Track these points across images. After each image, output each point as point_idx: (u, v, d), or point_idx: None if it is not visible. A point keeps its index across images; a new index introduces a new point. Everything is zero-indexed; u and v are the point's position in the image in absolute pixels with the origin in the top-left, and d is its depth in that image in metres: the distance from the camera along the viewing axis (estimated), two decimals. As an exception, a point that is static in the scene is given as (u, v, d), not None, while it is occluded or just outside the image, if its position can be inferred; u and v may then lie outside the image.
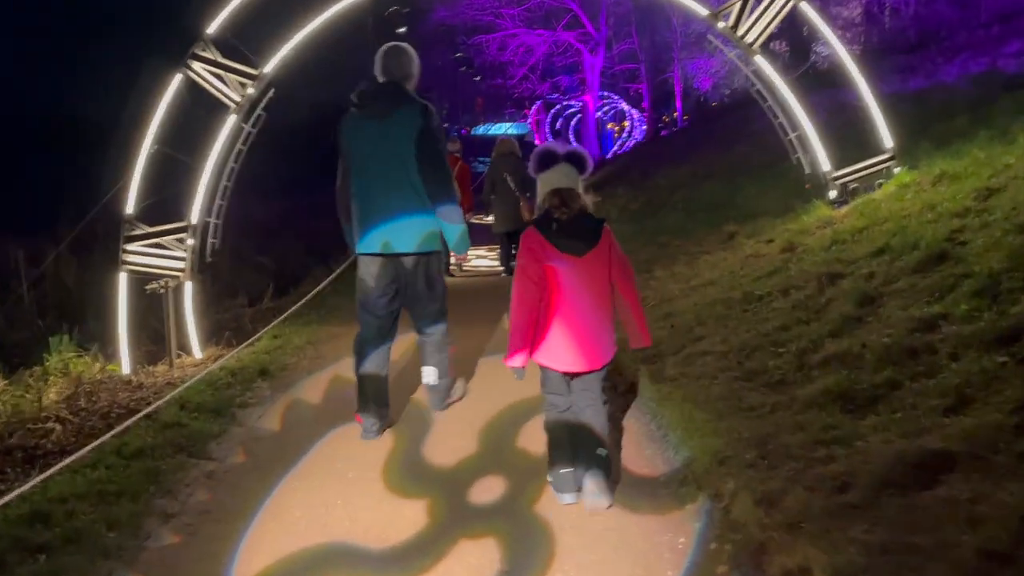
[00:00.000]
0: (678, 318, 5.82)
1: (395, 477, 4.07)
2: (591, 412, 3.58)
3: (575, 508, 3.56)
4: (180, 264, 7.32)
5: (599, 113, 36.54)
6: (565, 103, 38.10)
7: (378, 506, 3.72)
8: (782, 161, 10.24)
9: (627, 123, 40.89)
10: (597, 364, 3.56)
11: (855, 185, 7.29)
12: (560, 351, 3.49)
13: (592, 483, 3.48)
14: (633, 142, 38.04)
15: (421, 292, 4.55)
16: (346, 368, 6.16)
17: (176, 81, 7.14)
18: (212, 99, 7.33)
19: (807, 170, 7.57)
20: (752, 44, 7.04)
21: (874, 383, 3.66)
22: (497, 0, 29.02)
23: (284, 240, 16.13)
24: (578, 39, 31.18)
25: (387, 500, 3.79)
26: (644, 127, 37.03)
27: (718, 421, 3.87)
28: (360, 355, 4.60)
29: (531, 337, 3.49)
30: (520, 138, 28.76)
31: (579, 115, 37.14)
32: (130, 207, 7.25)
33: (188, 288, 7.34)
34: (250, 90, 7.23)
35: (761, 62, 7.13)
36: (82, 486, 3.82)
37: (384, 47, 4.46)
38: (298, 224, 18.44)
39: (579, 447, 3.57)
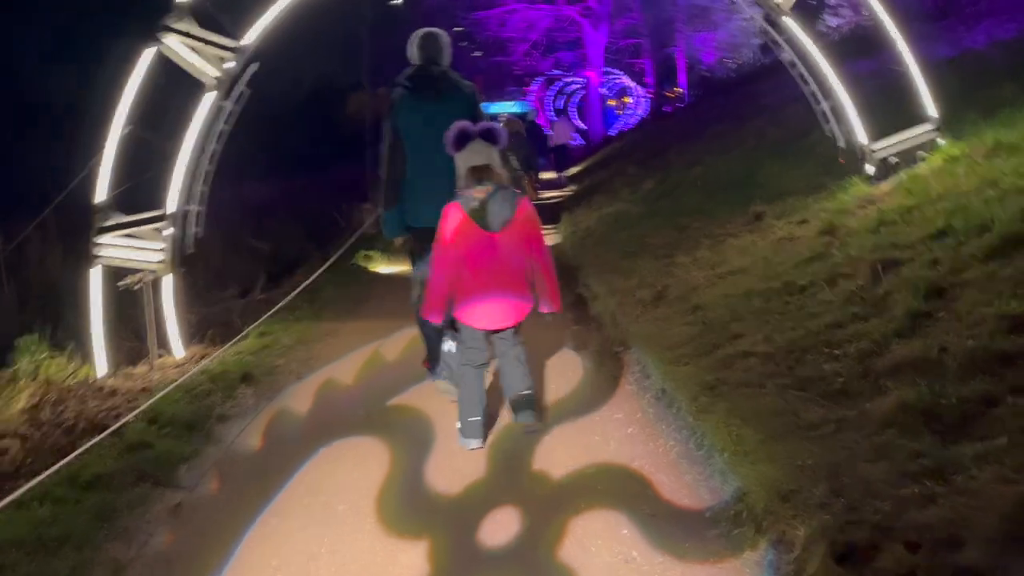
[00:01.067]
0: (708, 312, 5.20)
1: (391, 511, 3.47)
2: (513, 353, 4.07)
3: (608, 556, 2.96)
4: (158, 256, 6.70)
5: (602, 89, 35.71)
6: (567, 80, 37.26)
7: (371, 551, 3.13)
8: (804, 135, 9.55)
9: (629, 99, 40.13)
10: (511, 322, 3.99)
11: (895, 159, 6.63)
12: (479, 313, 3.92)
13: (523, 416, 4.11)
14: (637, 118, 37.28)
15: None
16: (339, 371, 5.58)
17: (147, 55, 6.49)
18: (189, 75, 6.69)
19: (841, 143, 6.90)
20: (781, 3, 6.37)
21: (963, 397, 3.04)
22: (497, -26, 28.28)
23: (281, 222, 15.52)
24: (580, 13, 30.40)
25: (381, 543, 3.20)
26: (648, 103, 36.25)
27: (773, 442, 3.26)
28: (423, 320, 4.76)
29: (447, 298, 3.93)
30: (523, 116, 28.01)
31: (582, 91, 36.32)
32: (101, 194, 6.63)
33: (168, 282, 6.74)
34: (230, 64, 6.56)
35: (791, 23, 6.45)
36: (22, 528, 3.24)
37: (421, 33, 4.66)
38: (296, 204, 17.81)
39: (507, 390, 4.14)
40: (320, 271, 6.95)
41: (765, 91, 17.87)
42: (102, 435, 4.19)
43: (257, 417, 4.73)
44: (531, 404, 4.13)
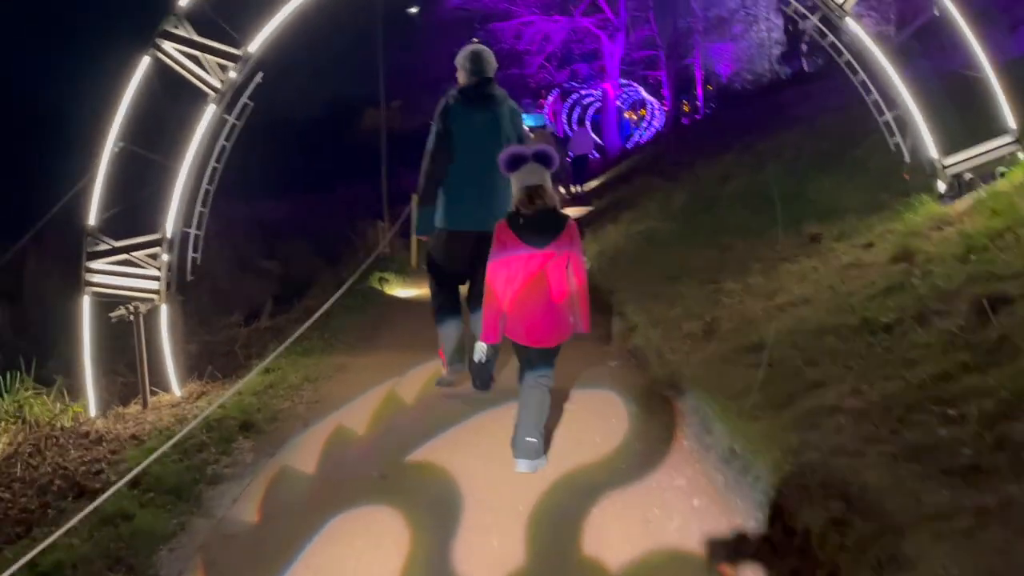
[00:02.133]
0: (774, 351, 4.52)
1: (414, 612, 2.82)
2: (536, 395, 4.03)
3: None
4: (154, 285, 6.12)
5: (617, 102, 35.15)
6: (583, 92, 36.75)
7: None
8: (852, 147, 8.90)
9: (645, 111, 39.64)
10: (550, 343, 4.03)
11: (970, 175, 5.95)
12: (518, 327, 4.01)
13: (522, 464, 3.96)
14: (653, 131, 36.72)
15: None
16: (350, 417, 4.94)
17: (143, 65, 5.93)
18: (188, 86, 6.12)
19: (907, 157, 6.24)
20: (842, 4, 5.73)
21: None
22: (512, -14, 27.83)
23: (292, 241, 15.02)
24: (596, 25, 29.89)
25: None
26: (663, 115, 35.71)
27: (895, 536, 2.58)
28: (440, 319, 5.18)
29: (501, 318, 4.01)
30: (541, 129, 27.49)
31: (597, 104, 35.77)
32: (92, 217, 6.06)
33: (164, 313, 6.14)
34: (232, 74, 5.98)
35: (853, 26, 5.81)
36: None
37: (471, 49, 4.96)
38: (308, 222, 17.31)
39: (517, 425, 4.05)
40: (332, 300, 6.34)
41: (791, 102, 17.22)
42: (70, 523, 3.48)
43: (256, 478, 4.08)
44: (535, 453, 3.99)
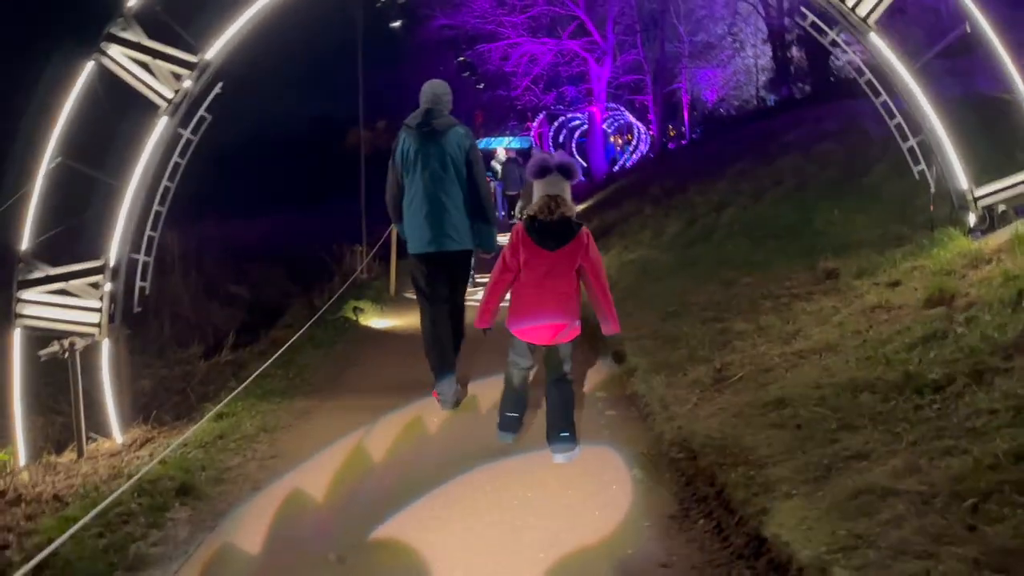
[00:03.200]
0: (799, 408, 3.91)
1: None
2: (556, 390, 4.36)
3: None
4: (93, 318, 5.44)
5: (603, 126, 34.79)
6: (569, 115, 36.38)
7: None
8: (862, 174, 8.41)
9: (631, 136, 39.44)
10: (547, 340, 4.27)
11: (1003, 207, 5.41)
12: (525, 325, 4.26)
13: (558, 456, 4.30)
14: (639, 155, 36.43)
15: (461, 277, 5.48)
16: (307, 479, 4.25)
17: (87, 71, 5.32)
18: (138, 96, 5.48)
19: (932, 187, 5.70)
20: (865, 18, 5.21)
21: None
22: (500, 8, 27.42)
23: (265, 265, 14.30)
24: (584, 48, 29.60)
25: None
26: (648, 140, 35.45)
27: None
28: (427, 333, 5.34)
29: (497, 309, 4.38)
30: (527, 152, 26.97)
31: (583, 127, 35.41)
32: (25, 241, 5.40)
33: (105, 349, 5.47)
34: (187, 83, 5.37)
35: (877, 42, 5.28)
36: None
37: (430, 83, 5.28)
38: (284, 245, 16.63)
39: (548, 423, 4.38)
40: (295, 338, 5.68)
41: (783, 127, 16.80)
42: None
43: (188, 561, 3.39)
44: (568, 444, 4.31)
